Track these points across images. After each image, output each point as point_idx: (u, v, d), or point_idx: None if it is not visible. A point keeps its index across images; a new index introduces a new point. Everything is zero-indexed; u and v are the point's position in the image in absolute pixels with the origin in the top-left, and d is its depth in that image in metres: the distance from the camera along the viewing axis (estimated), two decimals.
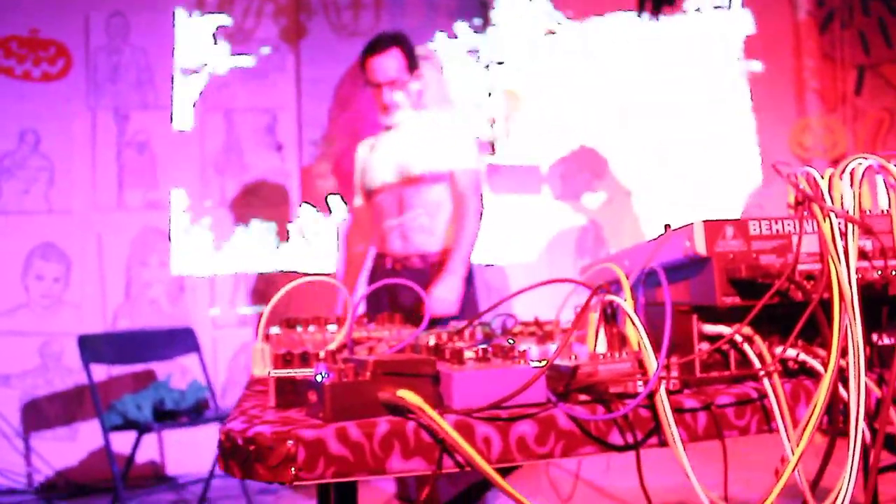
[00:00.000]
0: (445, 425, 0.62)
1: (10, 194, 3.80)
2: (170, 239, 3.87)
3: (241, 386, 3.83)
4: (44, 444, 3.70)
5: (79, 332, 3.25)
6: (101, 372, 3.56)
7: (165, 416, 3.09)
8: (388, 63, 2.75)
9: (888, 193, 0.82)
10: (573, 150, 4.24)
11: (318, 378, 0.67)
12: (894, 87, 4.70)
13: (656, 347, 0.69)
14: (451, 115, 3.05)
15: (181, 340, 3.51)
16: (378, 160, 2.84)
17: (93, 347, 3.20)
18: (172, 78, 3.94)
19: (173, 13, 3.96)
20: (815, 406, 0.69)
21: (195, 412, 3.17)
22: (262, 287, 3.93)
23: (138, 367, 3.71)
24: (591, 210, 4.25)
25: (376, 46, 2.77)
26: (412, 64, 2.80)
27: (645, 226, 4.25)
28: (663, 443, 0.69)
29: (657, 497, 0.97)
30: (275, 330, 0.96)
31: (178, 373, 3.60)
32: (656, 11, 4.38)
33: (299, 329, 0.94)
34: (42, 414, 3.74)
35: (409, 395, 0.64)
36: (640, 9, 4.37)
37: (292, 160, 4.00)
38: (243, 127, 3.97)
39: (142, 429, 3.01)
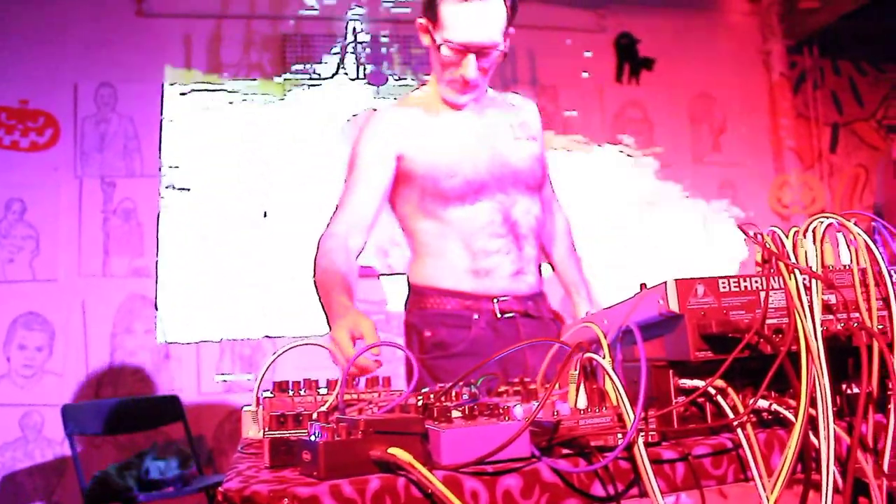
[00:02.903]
0: (435, 481, 0.65)
1: None
2: (156, 306, 3.87)
3: (226, 454, 3.78)
4: None
5: (61, 402, 3.22)
6: (83, 442, 3.51)
7: (150, 486, 3.04)
8: (492, 13, 1.72)
9: (849, 249, 0.88)
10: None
11: (312, 437, 0.69)
12: (868, 144, 4.89)
13: (634, 402, 0.73)
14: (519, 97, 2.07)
15: (166, 409, 3.47)
16: (467, 146, 1.82)
17: (76, 417, 3.16)
18: (159, 145, 4.00)
19: (161, 83, 4.04)
20: (787, 454, 0.73)
21: (181, 481, 3.12)
22: (249, 353, 3.92)
23: (122, 437, 3.66)
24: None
25: None
26: (510, 20, 1.78)
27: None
28: (643, 493, 0.72)
29: None
30: (266, 394, 0.98)
31: (162, 441, 3.55)
32: (635, 76, 4.53)
33: (290, 392, 0.97)
34: (21, 488, 3.65)
35: (399, 453, 0.67)
36: (619, 75, 4.52)
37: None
38: (230, 195, 4.02)
39: (126, 500, 2.96)
